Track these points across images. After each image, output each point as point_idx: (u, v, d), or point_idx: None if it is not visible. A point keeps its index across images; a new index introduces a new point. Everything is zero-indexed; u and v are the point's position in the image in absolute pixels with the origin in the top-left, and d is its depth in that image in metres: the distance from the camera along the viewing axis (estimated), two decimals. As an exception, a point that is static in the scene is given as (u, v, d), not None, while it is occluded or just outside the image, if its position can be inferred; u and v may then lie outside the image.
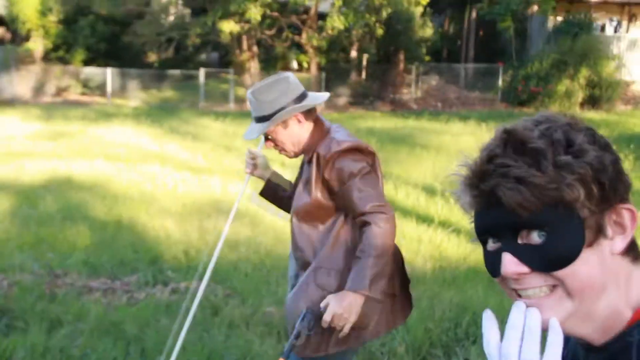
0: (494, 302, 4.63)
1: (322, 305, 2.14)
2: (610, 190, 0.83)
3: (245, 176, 2.58)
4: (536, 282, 0.85)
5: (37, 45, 23.56)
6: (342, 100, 22.80)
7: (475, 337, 3.98)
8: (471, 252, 5.93)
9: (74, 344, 3.84)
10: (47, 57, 23.88)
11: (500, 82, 22.60)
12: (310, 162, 2.29)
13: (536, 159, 0.82)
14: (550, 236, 0.83)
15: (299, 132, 2.33)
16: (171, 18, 25.02)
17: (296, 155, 2.38)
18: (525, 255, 0.84)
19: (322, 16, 21.83)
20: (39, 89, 23.13)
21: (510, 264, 0.84)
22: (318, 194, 2.26)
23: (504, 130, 0.86)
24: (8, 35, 26.36)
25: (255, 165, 2.53)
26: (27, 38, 23.74)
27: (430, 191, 8.44)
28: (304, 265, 2.33)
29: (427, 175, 9.54)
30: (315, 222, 2.31)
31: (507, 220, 0.84)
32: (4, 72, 22.55)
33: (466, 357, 3.69)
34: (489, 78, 23.21)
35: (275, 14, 21.06)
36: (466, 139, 13.36)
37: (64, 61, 24.02)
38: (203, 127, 15.15)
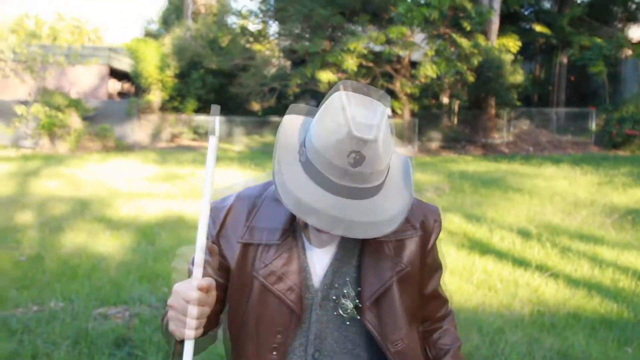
0: (596, 350, 4.32)
1: None
2: None
3: (187, 343, 1.25)
4: None
5: (155, 96, 25.05)
6: (434, 145, 22.57)
7: (578, 386, 3.71)
8: (571, 297, 5.60)
9: (186, 374, 3.92)
10: (163, 107, 25.31)
11: (593, 126, 21.63)
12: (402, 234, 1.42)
13: None
14: None
15: None
16: (273, 70, 25.86)
17: None
18: None
19: (414, 65, 21.86)
20: (156, 135, 24.49)
21: None
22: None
23: None
24: (132, 89, 28.30)
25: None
26: (147, 91, 25.31)
27: (525, 235, 8.09)
28: None
29: (521, 218, 9.17)
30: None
31: None
32: (128, 121, 24.10)
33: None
34: (581, 121, 22.26)
35: (370, 64, 21.28)
36: (560, 183, 12.79)
37: (177, 110, 25.37)
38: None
